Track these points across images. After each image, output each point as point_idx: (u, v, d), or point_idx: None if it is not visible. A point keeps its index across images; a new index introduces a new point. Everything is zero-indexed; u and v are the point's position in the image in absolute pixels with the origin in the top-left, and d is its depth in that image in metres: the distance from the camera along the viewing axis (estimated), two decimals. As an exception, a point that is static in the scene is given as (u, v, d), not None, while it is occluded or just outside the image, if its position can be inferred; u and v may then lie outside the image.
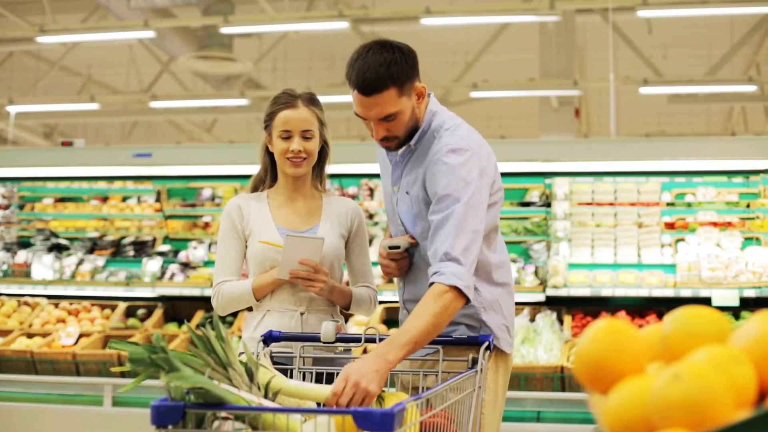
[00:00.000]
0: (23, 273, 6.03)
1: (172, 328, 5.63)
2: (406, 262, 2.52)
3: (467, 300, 2.23)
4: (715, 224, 5.42)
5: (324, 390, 1.97)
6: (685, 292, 4.99)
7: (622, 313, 5.16)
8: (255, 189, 2.74)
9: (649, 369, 1.12)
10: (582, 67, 12.81)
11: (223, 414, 1.63)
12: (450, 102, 12.77)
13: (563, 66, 10.87)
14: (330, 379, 2.35)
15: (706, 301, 4.87)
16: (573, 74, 10.94)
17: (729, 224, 5.41)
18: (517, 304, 5.23)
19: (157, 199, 6.41)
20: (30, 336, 5.56)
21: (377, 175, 5.57)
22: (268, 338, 2.33)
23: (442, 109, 2.51)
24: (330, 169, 2.77)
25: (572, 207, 5.63)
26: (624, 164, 5.55)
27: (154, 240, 6.39)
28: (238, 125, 16.76)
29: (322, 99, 2.72)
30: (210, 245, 6.09)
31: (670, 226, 5.54)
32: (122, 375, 5.22)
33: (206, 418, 1.62)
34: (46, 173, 6.46)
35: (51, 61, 13.45)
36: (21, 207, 6.63)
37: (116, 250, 6.31)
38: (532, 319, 5.23)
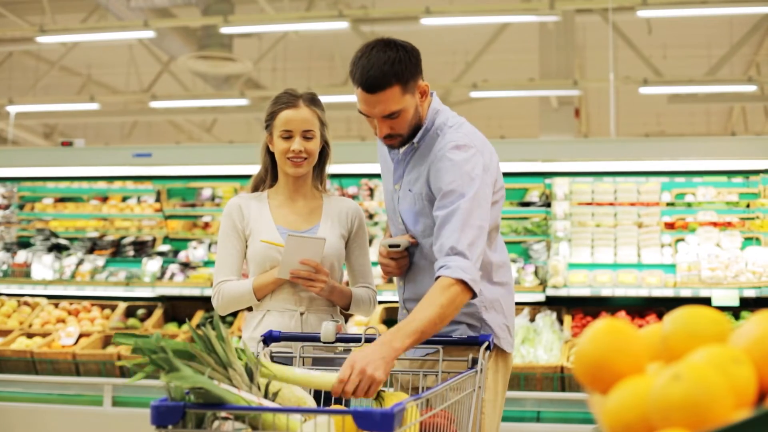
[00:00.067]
0: (23, 273, 6.03)
1: (172, 328, 5.63)
2: (406, 262, 2.52)
3: (473, 294, 2.24)
4: (715, 224, 5.42)
5: (330, 377, 1.97)
6: (685, 292, 4.99)
7: (622, 313, 5.16)
8: (255, 189, 2.74)
9: (649, 369, 1.12)
10: (582, 67, 12.81)
11: (223, 414, 1.63)
12: (450, 102, 12.77)
13: (563, 66, 10.87)
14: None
15: (706, 301, 4.87)
16: (573, 74, 10.94)
17: (729, 224, 5.41)
18: (517, 304, 5.24)
19: (157, 199, 6.41)
20: (30, 336, 5.56)
21: (377, 175, 5.57)
22: (268, 338, 2.33)
23: (445, 108, 2.52)
24: (330, 169, 2.77)
25: (572, 207, 5.63)
26: (624, 164, 5.55)
27: (154, 240, 6.39)
28: (238, 125, 16.75)
29: (322, 99, 2.72)
30: (210, 245, 6.09)
31: (670, 226, 5.54)
32: (122, 375, 5.23)
33: (206, 418, 1.62)
34: (46, 173, 6.46)
35: (51, 61, 13.45)
36: (21, 207, 6.63)
37: (116, 250, 6.31)
38: (532, 319, 5.23)
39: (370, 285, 2.73)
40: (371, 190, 6.01)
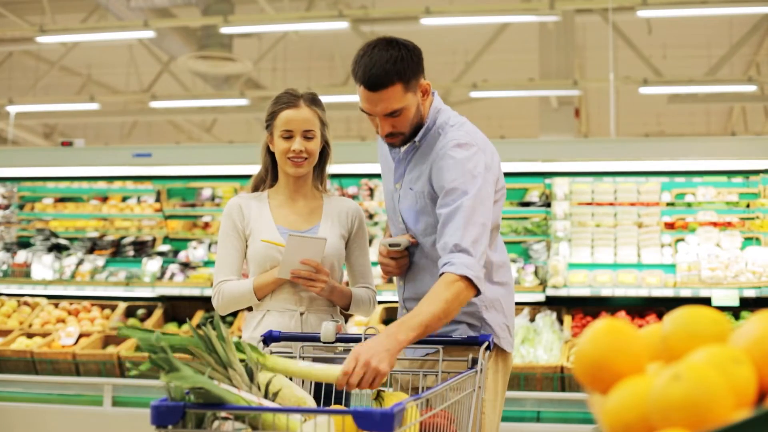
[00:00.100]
0: (23, 273, 6.03)
1: (172, 328, 5.63)
2: (405, 261, 2.53)
3: (477, 291, 2.24)
4: (715, 224, 5.42)
5: (334, 370, 1.97)
6: (685, 292, 4.99)
7: (622, 313, 5.16)
8: (255, 189, 2.74)
9: (649, 369, 1.12)
10: (582, 67, 12.81)
11: (223, 414, 1.63)
12: (450, 102, 12.75)
13: (563, 66, 10.87)
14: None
15: (706, 301, 4.87)
16: (573, 74, 10.94)
17: (729, 224, 5.41)
18: (517, 304, 5.24)
19: (157, 199, 6.41)
20: (30, 336, 5.56)
21: (377, 175, 5.57)
22: (268, 338, 2.33)
23: (447, 107, 2.54)
24: (330, 169, 2.77)
25: (572, 207, 5.63)
26: (624, 164, 5.55)
27: (154, 240, 6.39)
28: (238, 125, 16.76)
29: (322, 99, 2.72)
30: (210, 245, 6.09)
31: (670, 226, 5.54)
32: (122, 375, 5.23)
33: (206, 418, 1.62)
34: (46, 173, 6.46)
35: (51, 61, 13.45)
36: (21, 207, 6.63)
37: (116, 250, 6.31)
38: (532, 319, 5.23)
39: (370, 285, 2.74)
40: (371, 190, 6.01)
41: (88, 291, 5.88)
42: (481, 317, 2.45)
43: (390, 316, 5.37)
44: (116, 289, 5.80)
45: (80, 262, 6.05)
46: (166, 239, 6.40)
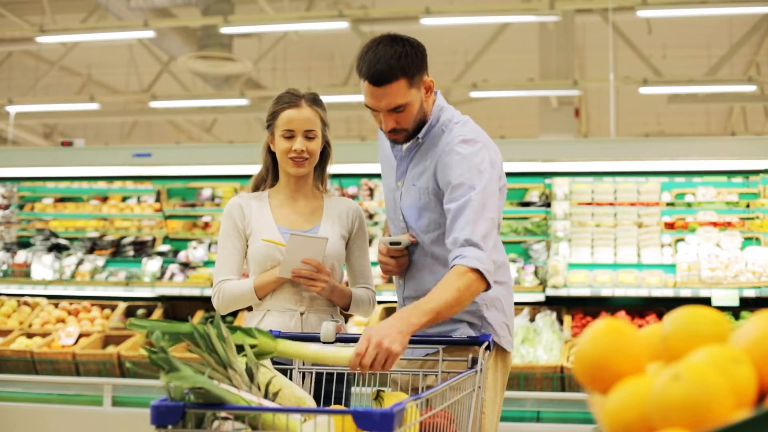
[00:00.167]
0: (23, 273, 6.03)
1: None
2: (405, 260, 2.53)
3: (488, 286, 2.26)
4: (714, 224, 5.42)
5: (346, 352, 1.99)
6: (685, 292, 4.99)
7: (622, 313, 5.16)
8: (256, 188, 2.74)
9: (649, 369, 1.12)
10: (582, 67, 12.81)
11: (223, 414, 1.63)
12: (450, 102, 12.59)
13: (563, 66, 10.87)
14: (330, 378, 2.35)
15: (706, 301, 4.87)
16: (573, 74, 10.94)
17: (729, 224, 5.41)
18: (517, 304, 5.25)
19: (157, 199, 6.41)
20: (30, 336, 5.56)
21: (377, 175, 5.57)
22: (268, 338, 2.33)
23: (449, 106, 2.56)
24: (330, 169, 2.77)
25: (572, 207, 5.63)
26: (624, 164, 5.55)
27: (154, 240, 6.39)
28: (238, 125, 16.76)
29: (322, 99, 2.72)
30: (210, 245, 6.09)
31: (669, 226, 5.54)
32: (122, 375, 5.23)
33: (206, 418, 1.62)
34: (46, 173, 6.46)
35: (51, 61, 13.45)
36: (21, 207, 6.63)
37: (116, 250, 6.31)
38: (532, 319, 5.23)
39: (370, 286, 2.74)
40: (371, 190, 6.01)
41: (88, 291, 5.88)
42: (482, 316, 2.46)
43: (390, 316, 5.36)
44: (116, 289, 5.80)
45: (80, 262, 6.05)
46: (166, 239, 6.40)
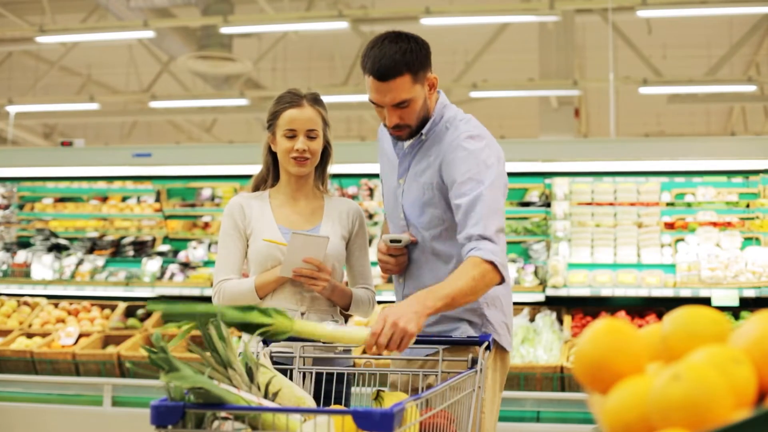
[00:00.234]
0: (23, 273, 6.03)
1: (171, 328, 5.61)
2: (404, 259, 2.54)
3: (502, 279, 2.29)
4: (714, 224, 5.42)
5: (363, 332, 2.01)
6: (685, 292, 4.99)
7: (622, 313, 5.16)
8: (256, 188, 2.75)
9: (649, 369, 1.12)
10: (582, 67, 12.81)
11: (223, 414, 1.63)
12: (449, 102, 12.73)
13: (563, 66, 10.87)
14: (330, 378, 2.35)
15: (706, 301, 4.87)
16: (573, 74, 10.94)
17: (729, 224, 5.41)
18: (517, 304, 5.25)
19: (157, 199, 6.41)
20: (30, 336, 5.55)
21: (377, 175, 5.56)
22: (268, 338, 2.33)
23: (452, 105, 2.58)
24: (330, 169, 2.77)
25: (572, 207, 5.63)
26: (624, 164, 5.55)
27: (154, 240, 6.39)
28: (238, 125, 16.76)
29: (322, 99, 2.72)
30: (210, 245, 6.09)
31: (669, 226, 5.54)
32: (122, 375, 5.22)
33: (206, 418, 1.62)
34: (45, 173, 6.46)
35: (50, 61, 13.45)
36: (21, 207, 6.63)
37: (116, 250, 6.31)
38: (532, 319, 5.23)
39: (370, 286, 2.74)
40: (371, 190, 6.01)
41: (88, 291, 5.88)
42: (483, 314, 2.47)
43: (390, 316, 5.36)
44: (116, 289, 5.80)
45: (80, 262, 6.05)
46: (166, 239, 6.40)
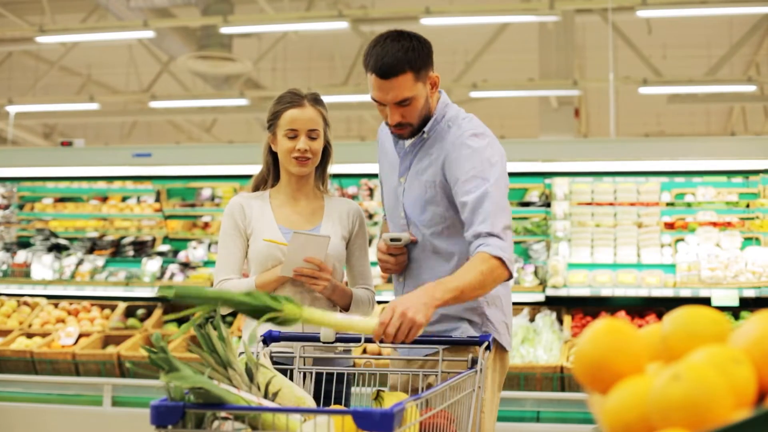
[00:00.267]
0: (23, 273, 6.03)
1: (171, 328, 5.62)
2: (404, 258, 2.54)
3: (510, 276, 2.30)
4: (714, 224, 5.42)
5: (371, 322, 2.03)
6: (685, 292, 4.99)
7: (622, 313, 5.16)
8: (256, 189, 2.74)
9: (649, 369, 1.12)
10: (582, 67, 12.81)
11: (223, 414, 1.63)
12: (450, 102, 12.72)
13: (563, 66, 10.87)
14: (330, 378, 2.35)
15: (706, 301, 4.87)
16: (572, 74, 10.94)
17: (729, 224, 5.41)
18: (516, 304, 5.25)
19: (157, 199, 6.41)
20: (30, 336, 5.55)
21: (377, 175, 5.56)
22: (268, 338, 2.33)
23: (454, 104, 2.60)
24: (330, 169, 2.77)
25: (572, 207, 5.63)
26: (624, 164, 5.54)
27: (154, 240, 6.39)
28: (238, 125, 16.75)
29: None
30: (210, 245, 6.09)
31: (669, 226, 5.54)
32: (122, 375, 5.22)
33: (206, 418, 1.62)
34: (45, 173, 6.46)
35: (50, 61, 13.45)
36: (21, 207, 6.63)
37: (116, 250, 6.31)
38: (532, 319, 5.23)
39: (369, 286, 2.74)
40: (371, 190, 6.01)
41: (88, 291, 5.88)
42: (483, 313, 2.48)
43: (390, 316, 5.36)
44: (116, 289, 5.80)
45: (80, 262, 6.05)
46: (166, 239, 6.40)
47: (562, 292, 5.14)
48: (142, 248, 6.29)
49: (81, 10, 11.59)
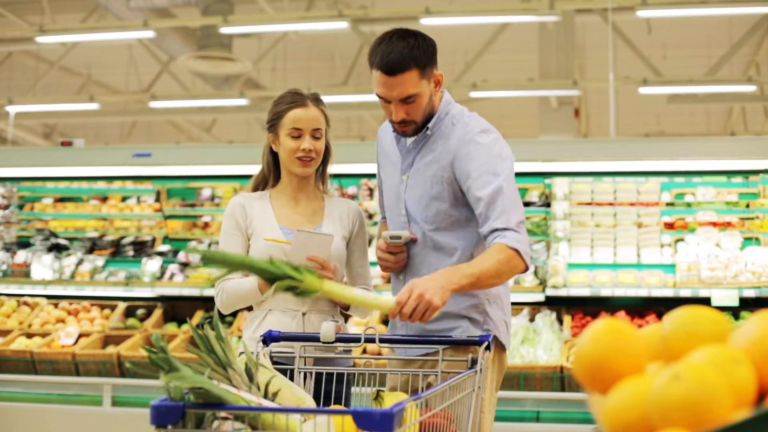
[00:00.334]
0: (23, 273, 6.03)
1: (171, 328, 5.62)
2: (403, 257, 2.55)
3: (526, 267, 2.34)
4: (714, 224, 5.42)
5: (389, 300, 2.09)
6: (685, 292, 4.99)
7: (622, 313, 5.16)
8: (255, 189, 2.74)
9: (649, 369, 1.12)
10: (581, 67, 12.81)
11: (223, 414, 1.63)
12: (450, 102, 12.71)
13: (563, 66, 10.87)
14: (330, 378, 2.35)
15: (706, 301, 4.87)
16: (572, 74, 10.94)
17: (728, 224, 5.41)
18: (516, 304, 5.24)
19: (157, 199, 6.41)
20: (29, 336, 5.55)
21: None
22: (268, 338, 2.33)
23: (456, 103, 2.62)
24: (330, 169, 2.77)
25: (572, 207, 5.63)
26: (623, 164, 5.54)
27: (154, 240, 6.39)
28: (238, 125, 16.75)
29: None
30: (209, 245, 6.09)
31: (669, 226, 5.53)
32: (122, 375, 5.23)
33: (206, 418, 1.62)
34: (45, 173, 6.46)
35: (50, 61, 13.45)
36: (21, 207, 6.63)
37: (116, 250, 6.31)
38: (532, 319, 5.23)
39: (369, 287, 2.74)
40: (371, 190, 6.01)
41: (88, 291, 5.88)
42: (485, 311, 2.49)
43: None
44: (116, 289, 5.80)
45: (80, 262, 6.05)
46: (166, 239, 6.40)
47: (562, 292, 5.14)
48: (142, 248, 6.29)
49: (81, 10, 11.59)
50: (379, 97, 2.47)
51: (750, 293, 4.90)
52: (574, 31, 11.04)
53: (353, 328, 5.29)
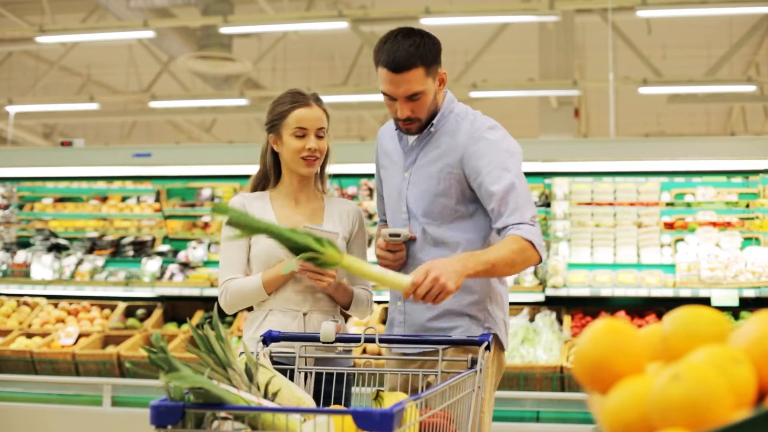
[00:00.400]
0: (23, 273, 6.03)
1: (171, 328, 5.62)
2: (402, 255, 2.56)
3: (540, 260, 2.37)
4: (714, 224, 5.42)
5: (404, 279, 2.14)
6: (685, 292, 4.99)
7: (622, 313, 5.16)
8: (254, 189, 2.74)
9: (649, 369, 1.12)
10: (581, 67, 12.80)
11: (223, 414, 1.63)
12: (449, 102, 12.71)
13: (563, 66, 10.87)
14: (330, 378, 2.35)
15: (706, 301, 4.87)
16: (572, 74, 10.94)
17: (728, 224, 5.41)
18: (516, 304, 5.24)
19: (157, 199, 6.40)
20: (29, 336, 5.55)
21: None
22: (268, 338, 2.33)
23: (459, 102, 2.65)
24: (330, 169, 2.77)
25: (571, 207, 5.63)
26: (623, 164, 5.54)
27: (154, 240, 6.39)
28: (238, 125, 16.75)
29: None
30: (209, 245, 6.09)
31: (669, 226, 5.53)
32: (121, 375, 5.22)
33: (206, 418, 1.62)
34: (45, 173, 6.46)
35: (50, 61, 13.45)
36: (20, 207, 6.62)
37: (116, 250, 6.31)
38: (532, 319, 5.22)
39: (368, 287, 2.74)
40: (371, 190, 6.01)
41: (88, 291, 5.88)
42: (486, 309, 2.51)
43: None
44: (116, 289, 5.80)
45: (80, 262, 6.05)
46: (166, 239, 6.39)
47: (562, 292, 5.14)
48: (141, 248, 6.29)
49: (81, 10, 11.59)
50: (385, 94, 2.49)
51: (750, 293, 4.90)
52: (574, 31, 11.04)
53: (353, 328, 5.29)
